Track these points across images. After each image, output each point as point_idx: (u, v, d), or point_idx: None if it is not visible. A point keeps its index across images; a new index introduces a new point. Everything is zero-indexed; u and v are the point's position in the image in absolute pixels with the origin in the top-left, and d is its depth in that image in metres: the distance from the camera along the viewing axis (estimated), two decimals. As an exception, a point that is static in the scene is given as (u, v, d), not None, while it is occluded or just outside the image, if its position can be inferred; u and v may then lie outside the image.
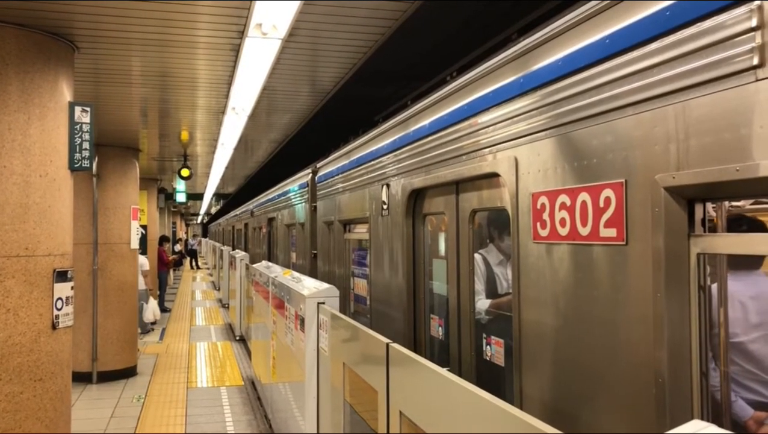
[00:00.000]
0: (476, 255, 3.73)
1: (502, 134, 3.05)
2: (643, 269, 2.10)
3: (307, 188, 8.34)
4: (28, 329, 4.32)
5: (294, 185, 9.59)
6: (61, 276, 4.56)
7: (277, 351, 5.94)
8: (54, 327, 4.48)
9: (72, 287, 4.70)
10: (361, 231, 5.92)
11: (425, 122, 4.13)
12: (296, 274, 5.76)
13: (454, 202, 3.80)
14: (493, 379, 3.42)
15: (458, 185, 3.75)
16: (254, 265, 8.75)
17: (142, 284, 11.65)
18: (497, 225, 3.72)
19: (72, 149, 4.77)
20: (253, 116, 7.41)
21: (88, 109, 4.89)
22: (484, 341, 3.48)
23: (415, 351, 4.07)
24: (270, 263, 8.47)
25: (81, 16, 4.30)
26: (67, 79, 4.78)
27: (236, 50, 4.95)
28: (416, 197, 4.40)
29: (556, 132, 2.60)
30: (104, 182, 9.42)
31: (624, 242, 2.18)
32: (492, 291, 3.68)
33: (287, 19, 4.25)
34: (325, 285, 4.51)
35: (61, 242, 4.60)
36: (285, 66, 5.45)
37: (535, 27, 3.07)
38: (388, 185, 4.81)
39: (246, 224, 18.78)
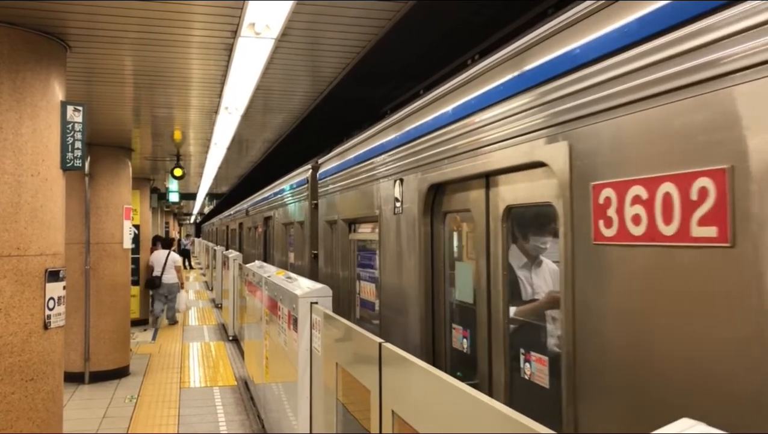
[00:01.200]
0: None
1: (551, 116, 2.57)
2: (755, 276, 1.70)
3: (306, 185, 7.86)
4: (20, 329, 4.31)
5: (292, 182, 9.11)
6: (53, 276, 4.54)
7: (270, 351, 5.94)
8: (46, 326, 4.47)
9: (64, 287, 4.69)
10: (368, 231, 5.53)
11: (448, 108, 3.67)
12: (290, 274, 5.75)
13: (484, 197, 3.33)
14: (533, 401, 2.96)
15: (489, 179, 3.29)
16: (247, 265, 8.74)
17: (174, 278, 14.13)
18: (521, 223, 3.30)
19: (64, 148, 4.75)
20: (247, 116, 7.40)
21: (80, 108, 4.88)
22: (522, 357, 3.01)
23: (434, 363, 3.74)
24: (263, 263, 8.46)
25: (73, 15, 4.28)
26: (59, 79, 4.76)
27: (229, 50, 4.94)
28: (435, 192, 3.95)
29: (630, 110, 2.14)
30: (96, 181, 9.39)
31: (729, 244, 1.78)
32: (516, 297, 3.28)
33: (280, 18, 4.25)
34: (318, 285, 4.51)
35: (52, 241, 4.59)
36: (278, 66, 5.45)
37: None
38: (401, 181, 4.37)
39: (240, 224, 18.23)
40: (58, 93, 4.75)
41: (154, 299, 14.41)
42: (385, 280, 4.77)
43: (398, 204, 4.44)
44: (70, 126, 4.80)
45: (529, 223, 3.25)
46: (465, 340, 3.65)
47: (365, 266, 5.69)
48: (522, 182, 3.01)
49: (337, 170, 6.37)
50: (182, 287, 14.72)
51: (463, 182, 3.58)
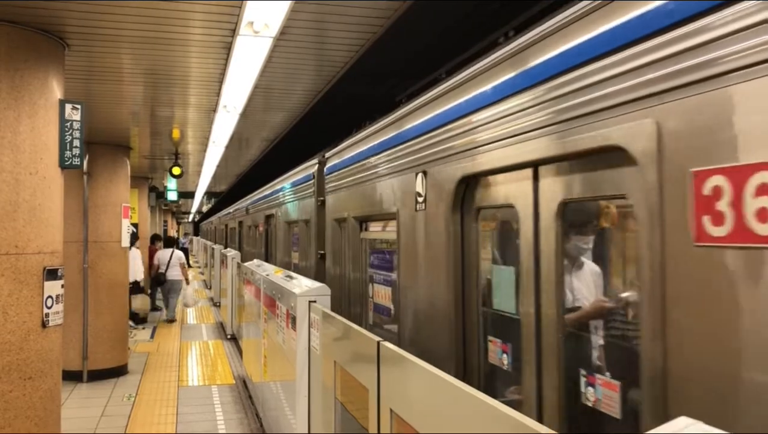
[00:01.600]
0: None
1: (631, 88, 2.08)
2: None
3: (312, 181, 7.26)
4: (18, 327, 4.31)
5: (296, 179, 8.46)
6: (51, 274, 4.54)
7: (268, 350, 5.94)
8: (44, 325, 4.47)
9: (62, 286, 4.68)
10: (384, 229, 5.01)
11: (485, 87, 3.17)
12: (289, 273, 5.75)
13: (531, 190, 2.83)
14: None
15: (537, 168, 2.79)
16: (246, 264, 8.74)
17: (178, 275, 14.52)
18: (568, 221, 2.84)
19: (62, 146, 4.75)
20: (245, 114, 7.40)
21: (78, 106, 4.87)
22: (583, 379, 2.52)
23: (466, 380, 3.20)
24: (262, 262, 8.46)
25: (72, 13, 4.28)
26: (57, 77, 4.76)
27: (228, 48, 4.94)
28: (467, 185, 3.41)
29: (747, 75, 1.67)
30: (95, 180, 9.38)
31: None
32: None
33: (279, 17, 4.25)
34: (317, 284, 4.51)
35: (51, 240, 4.59)
36: (277, 64, 5.45)
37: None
38: (425, 173, 3.85)
39: (240, 222, 17.43)
40: (57, 91, 4.75)
41: (156, 296, 15.02)
42: (404, 283, 4.22)
43: (420, 199, 3.92)
44: (68, 124, 4.80)
45: (585, 220, 2.75)
46: (505, 355, 3.16)
47: (379, 268, 5.17)
48: (583, 172, 2.50)
49: (347, 164, 5.84)
50: (188, 283, 15.11)
51: (503, 174, 3.08)
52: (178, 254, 14.86)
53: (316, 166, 7.14)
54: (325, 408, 3.81)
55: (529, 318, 2.81)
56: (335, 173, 6.28)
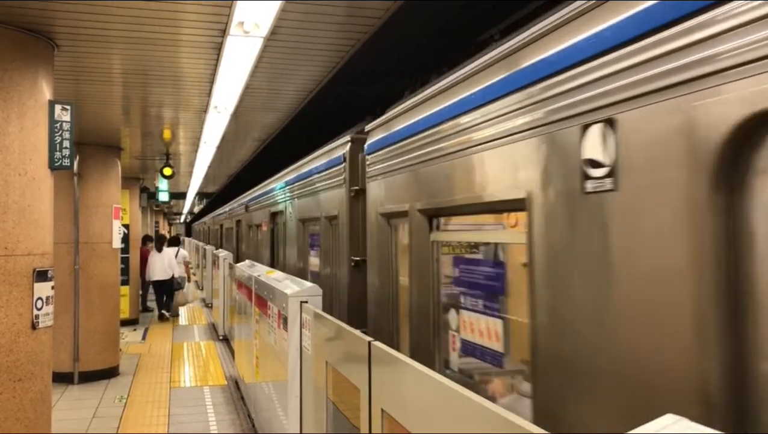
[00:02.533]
0: None
1: None
2: None
3: (342, 165, 5.78)
4: (8, 329, 4.28)
5: (316, 165, 6.91)
6: (41, 276, 4.52)
7: (260, 350, 5.93)
8: (34, 326, 4.44)
9: (52, 287, 4.66)
10: (480, 228, 3.50)
11: None
12: (279, 273, 5.74)
13: None
14: None
15: None
16: (238, 264, 8.72)
17: (182, 272, 15.43)
18: None
19: (52, 147, 4.73)
20: (236, 115, 7.39)
21: (68, 107, 4.85)
22: None
23: None
24: (254, 263, 8.43)
25: (61, 13, 4.26)
26: (46, 78, 4.74)
27: (218, 49, 4.93)
28: (752, 134, 1.75)
29: None
30: (85, 181, 9.35)
31: None
32: None
33: (269, 17, 4.24)
34: (308, 284, 4.51)
35: (41, 241, 4.56)
36: (267, 64, 5.44)
37: None
38: (610, 124, 2.22)
39: (238, 221, 16.15)
40: (46, 92, 4.73)
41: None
42: (549, 317, 2.62)
43: (600, 173, 2.29)
44: (58, 125, 4.78)
45: None
46: None
47: (470, 287, 3.56)
48: None
49: (409, 135, 4.22)
50: (189, 281, 16.21)
51: None
52: (183, 253, 15.98)
53: (348, 146, 5.68)
54: (317, 408, 3.81)
55: None
56: (385, 150, 4.68)
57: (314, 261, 7.15)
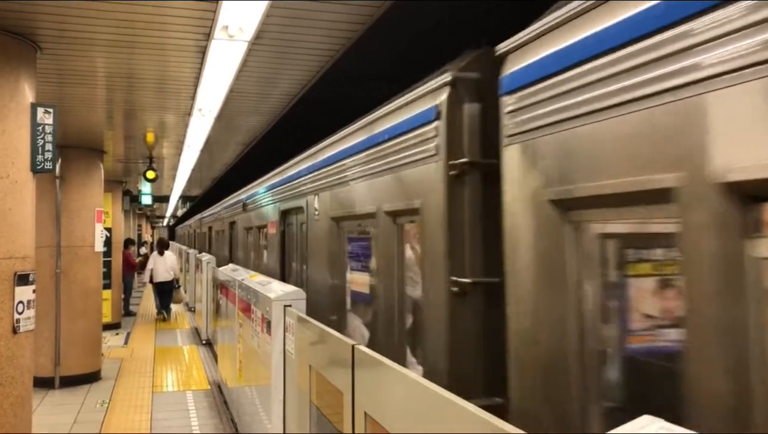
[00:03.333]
0: None
1: None
2: None
3: (435, 124, 3.34)
4: (-12, 333, 4.25)
5: (375, 131, 4.36)
6: (23, 279, 4.48)
7: (243, 355, 5.92)
8: (15, 331, 4.40)
9: (34, 291, 4.63)
10: None
11: None
12: (263, 277, 5.72)
13: None
14: None
15: None
16: (221, 268, 8.69)
17: (173, 275, 15.80)
18: None
19: (34, 150, 4.69)
20: (221, 118, 7.37)
21: (50, 110, 4.82)
22: None
23: None
24: (236, 266, 8.39)
25: (44, 16, 4.24)
26: (29, 80, 4.71)
27: (202, 52, 4.92)
28: None
29: None
30: (68, 184, 9.28)
31: None
32: None
33: (254, 21, 4.25)
34: (292, 288, 4.51)
35: (22, 244, 4.53)
36: (252, 68, 5.44)
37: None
38: None
39: (232, 223, 13.37)
40: (28, 95, 4.70)
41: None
42: None
43: None
44: (40, 128, 4.75)
45: None
46: None
47: None
48: None
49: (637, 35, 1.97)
50: (178, 283, 17.31)
51: None
52: (173, 257, 16.56)
53: (447, 92, 3.27)
54: (300, 412, 3.81)
55: None
56: (564, 79, 2.35)
57: (358, 279, 4.76)
